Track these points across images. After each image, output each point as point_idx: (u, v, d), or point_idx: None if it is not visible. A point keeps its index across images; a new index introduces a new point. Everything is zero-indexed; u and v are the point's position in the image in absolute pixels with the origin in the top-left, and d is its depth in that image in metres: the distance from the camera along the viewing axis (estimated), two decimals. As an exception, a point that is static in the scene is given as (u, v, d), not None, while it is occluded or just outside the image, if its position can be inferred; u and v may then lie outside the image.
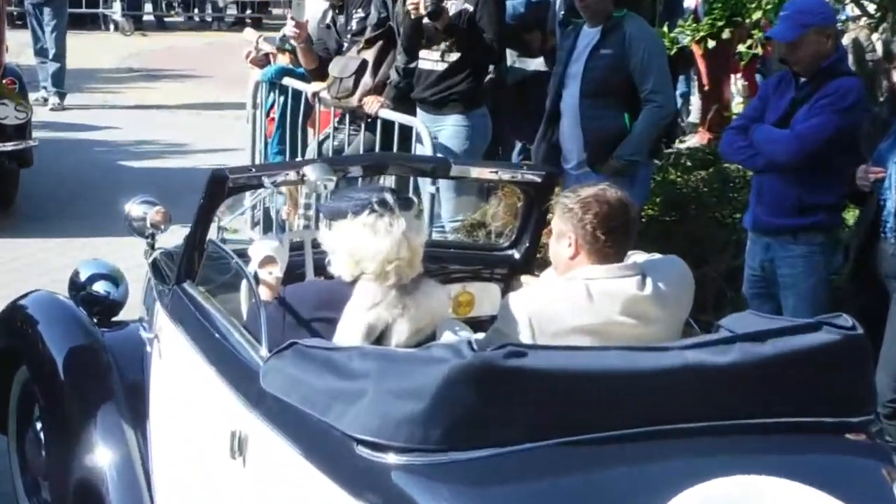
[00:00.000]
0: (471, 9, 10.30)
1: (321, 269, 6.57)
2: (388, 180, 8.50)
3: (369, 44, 10.98)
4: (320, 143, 11.53)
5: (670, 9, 12.63)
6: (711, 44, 12.34)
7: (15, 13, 18.76)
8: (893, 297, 7.64)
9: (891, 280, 7.67)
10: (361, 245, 5.83)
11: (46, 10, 17.55)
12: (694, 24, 12.16)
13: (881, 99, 8.39)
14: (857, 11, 12.01)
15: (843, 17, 11.25)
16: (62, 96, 17.84)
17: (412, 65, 10.78)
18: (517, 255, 7.19)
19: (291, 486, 5.14)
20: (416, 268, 5.98)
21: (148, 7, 26.20)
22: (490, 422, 4.67)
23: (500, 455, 4.60)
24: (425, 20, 10.28)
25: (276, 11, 21.55)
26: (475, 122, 10.64)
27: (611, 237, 5.53)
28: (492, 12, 10.40)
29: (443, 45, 10.48)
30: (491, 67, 10.77)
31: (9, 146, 12.84)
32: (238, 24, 24.67)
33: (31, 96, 14.70)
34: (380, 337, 5.76)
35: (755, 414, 4.94)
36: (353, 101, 10.98)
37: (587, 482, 4.72)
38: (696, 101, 14.55)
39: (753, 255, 8.39)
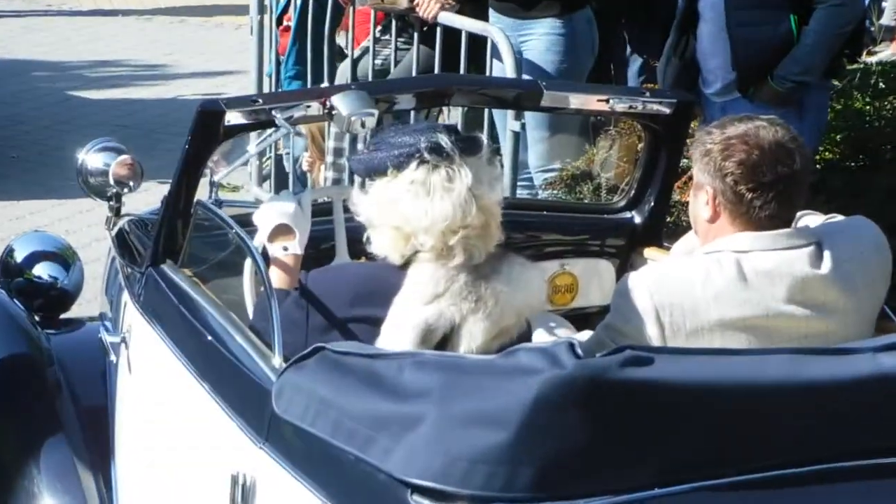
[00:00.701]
0: None
1: (357, 242, 5.57)
2: (453, 114, 7.67)
3: None
4: (355, 62, 10.34)
5: None
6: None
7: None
8: None
9: None
10: (410, 211, 4.82)
11: None
12: None
13: None
14: None
15: None
16: None
17: None
18: (638, 220, 6.28)
19: None
20: (493, 238, 4.97)
21: None
22: (602, 459, 3.89)
23: (623, 501, 3.85)
24: None
25: None
26: (577, 29, 9.44)
27: (764, 195, 4.80)
28: None
29: None
30: None
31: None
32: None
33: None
34: (443, 341, 4.81)
35: None
36: (403, 0, 9.80)
37: None
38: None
39: None
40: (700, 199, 4.88)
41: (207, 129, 5.45)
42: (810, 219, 5.13)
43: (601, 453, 3.82)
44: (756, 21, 8.19)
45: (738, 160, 4.72)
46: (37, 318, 6.72)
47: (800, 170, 4.84)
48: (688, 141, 5.67)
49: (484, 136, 6.04)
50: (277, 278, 5.17)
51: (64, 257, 6.93)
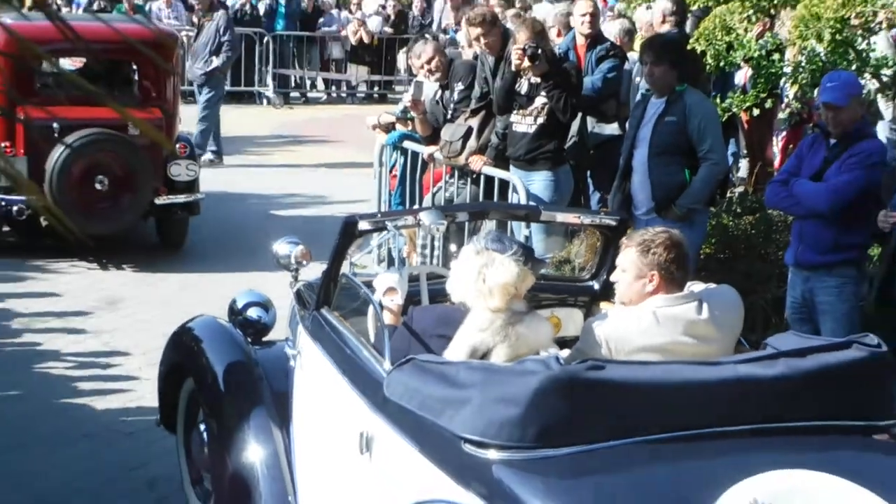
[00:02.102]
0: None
1: (434, 297, 7.05)
2: (490, 224, 8.65)
3: (474, 113, 11.33)
4: (433, 195, 11.87)
5: (722, 83, 12.65)
6: (756, 112, 12.72)
7: (186, 91, 19.35)
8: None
9: (910, 305, 7.91)
10: (499, 275, 6.06)
11: (204, 88, 18.24)
12: (742, 96, 12.41)
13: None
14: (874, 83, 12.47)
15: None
16: (217, 154, 18.51)
17: (507, 129, 11.03)
18: (596, 286, 7.40)
19: (410, 478, 5.51)
20: (521, 300, 6.21)
21: (294, 83, 26.89)
22: (575, 424, 5.11)
23: (584, 452, 5.04)
24: (521, 78, 10.75)
25: (398, 88, 22.05)
26: (560, 177, 11.02)
27: (678, 270, 5.96)
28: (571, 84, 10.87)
29: (536, 104, 10.76)
30: (574, 131, 11.11)
31: (181, 198, 13.38)
32: (367, 99, 25.26)
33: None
34: (483, 356, 5.96)
35: (796, 418, 5.34)
36: (461, 160, 11.44)
37: (658, 474, 5.15)
38: (744, 160, 14.54)
39: (794, 285, 8.63)
40: (642, 281, 5.98)
41: (348, 232, 6.75)
42: (696, 286, 6.15)
43: (574, 420, 5.09)
44: (665, 174, 9.82)
45: (670, 255, 5.91)
46: (249, 340, 7.70)
47: (688, 256, 6.22)
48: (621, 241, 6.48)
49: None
50: (387, 317, 6.39)
51: (265, 304, 7.89)
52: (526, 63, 10.53)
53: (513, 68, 10.79)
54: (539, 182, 10.78)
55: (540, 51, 10.54)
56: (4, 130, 13.24)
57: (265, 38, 26.05)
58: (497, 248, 6.22)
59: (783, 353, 5.69)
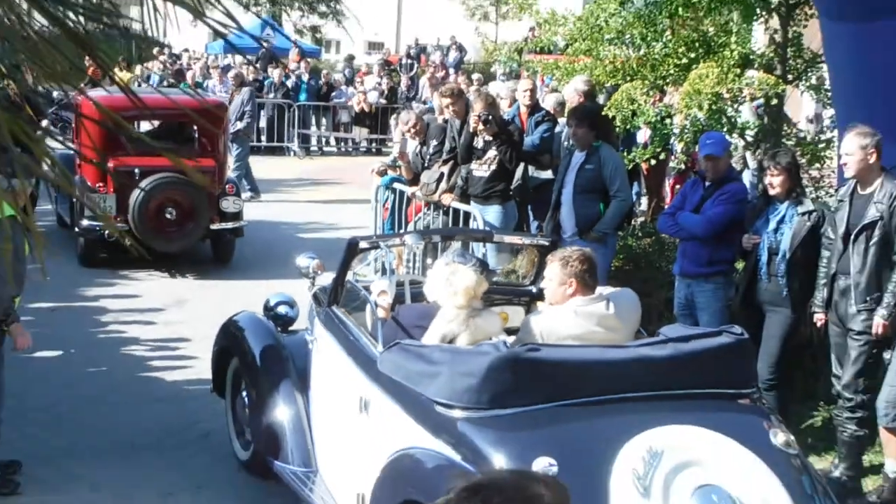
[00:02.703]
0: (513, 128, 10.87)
1: (414, 298, 7.01)
2: (456, 244, 8.62)
3: (444, 163, 11.37)
4: (415, 223, 11.85)
5: (627, 140, 12.61)
6: (653, 162, 12.76)
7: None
8: (766, 315, 7.92)
9: (764, 304, 7.94)
10: (463, 281, 6.15)
11: (234, 145, 18.28)
12: (642, 150, 12.44)
13: (758, 194, 8.78)
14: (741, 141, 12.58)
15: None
16: (255, 192, 18.53)
17: (469, 174, 11.00)
18: (534, 290, 7.28)
19: (397, 431, 5.56)
20: (479, 299, 6.29)
21: (314, 140, 27.01)
22: (517, 391, 5.18)
23: (524, 412, 5.16)
24: (478, 136, 10.77)
25: (390, 144, 22.20)
26: (508, 210, 10.92)
27: (590, 278, 5.96)
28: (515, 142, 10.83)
29: (489, 155, 10.73)
30: (518, 175, 11.08)
31: (230, 225, 13.53)
32: (367, 152, 25.38)
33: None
34: (450, 342, 6.03)
35: (681, 387, 5.42)
36: (435, 197, 11.43)
37: (578, 428, 5.16)
38: (644, 197, 14.52)
39: (680, 290, 8.61)
40: (564, 287, 5.95)
41: (351, 249, 6.76)
42: (606, 289, 6.15)
43: (517, 388, 5.16)
44: (585, 207, 9.65)
45: (584, 267, 5.90)
46: (279, 329, 7.65)
47: (597, 268, 6.17)
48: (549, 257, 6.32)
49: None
50: (381, 313, 6.29)
51: (290, 303, 7.85)
52: (480, 127, 10.61)
53: (471, 130, 10.87)
54: (492, 213, 10.77)
55: (490, 117, 10.58)
56: (98, 176, 13.24)
57: (292, 107, 26.09)
58: (460, 261, 6.38)
59: (671, 339, 5.76)
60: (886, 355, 7.17)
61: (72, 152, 13.95)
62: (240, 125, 18.96)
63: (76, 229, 13.41)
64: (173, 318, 11.38)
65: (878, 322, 7.14)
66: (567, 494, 1.46)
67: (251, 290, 10.50)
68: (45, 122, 13.13)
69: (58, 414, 8.38)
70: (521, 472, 1.58)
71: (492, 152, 10.78)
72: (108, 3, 1.98)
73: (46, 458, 7.46)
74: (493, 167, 10.81)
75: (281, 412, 7.01)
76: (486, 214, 10.74)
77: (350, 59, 33.26)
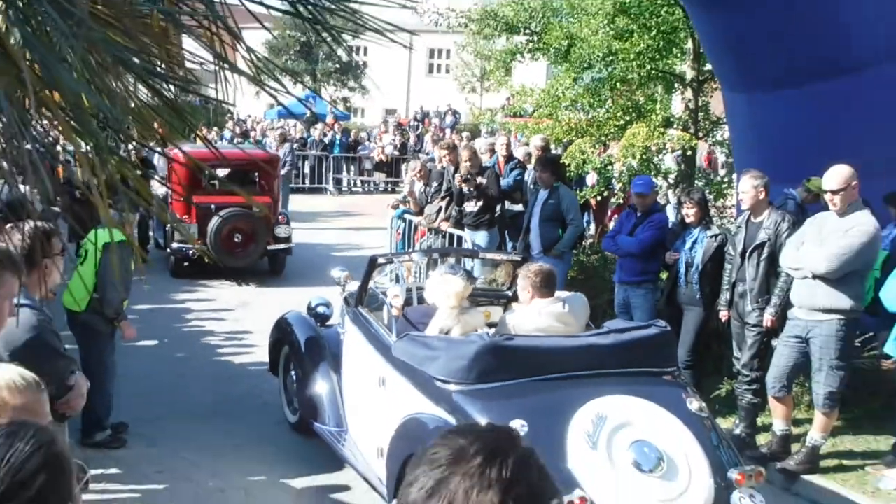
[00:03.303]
0: (485, 181, 10.72)
1: (419, 300, 6.98)
2: (451, 260, 8.68)
3: (442, 199, 11.36)
4: (420, 244, 11.76)
5: (579, 182, 12.66)
6: (599, 198, 12.85)
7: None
8: (684, 312, 7.88)
9: (683, 304, 7.89)
10: (453, 288, 6.12)
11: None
12: (591, 189, 12.52)
13: (677, 222, 8.79)
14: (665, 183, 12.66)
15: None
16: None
17: (462, 209, 10.91)
18: (509, 294, 7.10)
19: (407, 401, 5.51)
20: (465, 300, 6.24)
21: (345, 182, 27.01)
22: (497, 370, 5.18)
23: (501, 385, 5.14)
24: (465, 186, 10.73)
25: (401, 185, 22.08)
26: (492, 235, 10.87)
27: (549, 285, 5.92)
28: (492, 183, 10.76)
29: (475, 202, 10.73)
30: (498, 209, 11.05)
31: (282, 246, 13.55)
32: (384, 191, 25.27)
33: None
34: (446, 334, 5.99)
35: (620, 367, 5.42)
36: (436, 224, 11.32)
37: (542, 397, 5.10)
38: (592, 224, 14.29)
39: (619, 294, 8.52)
40: (526, 293, 5.91)
41: (372, 264, 6.72)
42: (562, 293, 6.09)
43: (496, 368, 5.14)
44: (548, 231, 9.48)
45: (542, 277, 5.85)
46: (318, 324, 7.60)
47: (555, 276, 6.08)
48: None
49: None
50: (394, 312, 6.31)
51: (327, 304, 7.81)
52: (464, 183, 10.68)
53: (458, 185, 10.86)
54: (481, 237, 10.72)
55: (469, 176, 10.65)
56: (185, 209, 13.26)
57: (328, 157, 26.25)
58: (451, 273, 6.32)
59: (613, 331, 5.75)
60: (774, 342, 7.15)
61: (166, 192, 14.18)
62: (282, 172, 18.91)
63: (168, 250, 13.52)
64: (240, 316, 11.34)
65: (768, 318, 7.15)
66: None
67: (298, 295, 10.43)
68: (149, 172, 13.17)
69: (155, 387, 8.37)
70: (490, 427, 1.52)
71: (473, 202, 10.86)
72: (193, 78, 2.01)
73: (147, 421, 7.46)
74: (481, 203, 10.78)
75: (320, 386, 7.00)
76: (476, 238, 10.64)
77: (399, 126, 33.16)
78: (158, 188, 14.74)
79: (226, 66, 2.01)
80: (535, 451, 1.50)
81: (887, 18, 8.03)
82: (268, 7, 1.91)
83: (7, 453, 1.69)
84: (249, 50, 2.00)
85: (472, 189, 10.67)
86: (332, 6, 1.97)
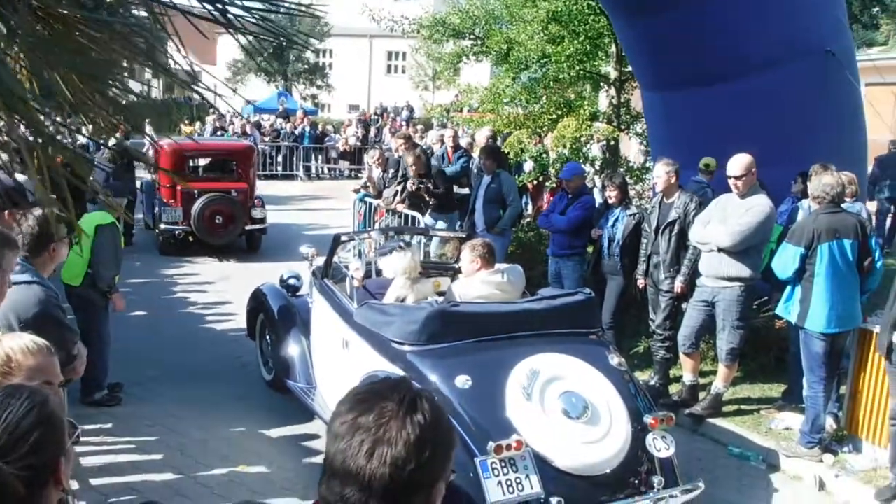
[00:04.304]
0: (434, 182, 10.49)
1: (377, 273, 6.95)
2: (407, 238, 8.56)
3: (398, 184, 11.05)
4: (379, 223, 11.42)
5: (519, 168, 12.64)
6: (535, 182, 12.89)
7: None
8: (608, 281, 7.91)
9: (606, 274, 7.90)
10: (403, 263, 6.18)
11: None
12: (529, 174, 12.54)
13: (602, 202, 8.82)
14: (592, 169, 12.73)
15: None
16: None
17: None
18: (457, 266, 6.84)
19: (367, 361, 5.45)
20: (417, 272, 6.28)
21: (313, 169, 26.70)
22: (444, 332, 5.18)
23: (449, 346, 5.13)
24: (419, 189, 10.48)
25: (363, 172, 21.91)
26: (453, 217, 10.51)
27: (490, 258, 5.94)
28: (441, 182, 10.49)
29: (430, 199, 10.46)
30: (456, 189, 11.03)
31: (258, 226, 13.32)
32: (348, 177, 24.97)
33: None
34: (401, 302, 6.05)
35: (551, 329, 5.40)
36: (392, 206, 11.04)
37: (484, 356, 5.09)
38: (530, 205, 14.54)
39: (552, 265, 8.46)
40: (474, 264, 5.88)
41: (336, 242, 6.66)
42: (501, 265, 6.07)
43: (444, 331, 5.14)
44: (491, 211, 9.34)
45: (487, 251, 5.87)
46: (290, 295, 7.38)
47: (495, 251, 6.11)
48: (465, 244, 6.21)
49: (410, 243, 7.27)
50: (356, 283, 6.30)
51: (297, 277, 7.55)
52: (415, 186, 10.45)
53: (410, 187, 10.60)
54: (442, 219, 10.46)
55: (421, 186, 10.39)
56: (171, 194, 13.06)
57: (299, 148, 25.99)
58: (403, 249, 6.35)
59: (546, 297, 5.76)
60: (683, 306, 7.23)
61: (154, 179, 14.02)
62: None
63: (156, 230, 13.34)
64: (221, 289, 11.21)
65: (678, 285, 7.24)
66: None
67: (272, 269, 10.35)
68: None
69: (146, 352, 8.27)
70: (381, 382, 1.52)
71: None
72: (190, 74, 1.99)
73: (140, 382, 7.41)
74: (433, 201, 10.60)
75: (291, 349, 6.95)
76: (436, 223, 10.36)
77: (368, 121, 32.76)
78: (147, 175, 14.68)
79: (160, 70, 1.98)
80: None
81: (781, 27, 8.13)
82: (213, 16, 1.89)
83: (4, 412, 1.71)
84: (185, 56, 1.97)
85: (424, 193, 10.48)
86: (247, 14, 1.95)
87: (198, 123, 29.03)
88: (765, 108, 8.11)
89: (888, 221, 14.45)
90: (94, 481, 5.46)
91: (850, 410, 6.26)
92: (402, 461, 1.33)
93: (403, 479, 1.34)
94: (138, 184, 14.51)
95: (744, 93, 8.12)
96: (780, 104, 8.13)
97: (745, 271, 6.62)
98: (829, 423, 6.29)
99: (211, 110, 31.19)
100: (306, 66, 45.68)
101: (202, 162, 14.28)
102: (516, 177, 11.30)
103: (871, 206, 12.41)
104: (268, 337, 7.37)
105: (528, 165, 13.27)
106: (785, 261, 6.10)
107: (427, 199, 10.39)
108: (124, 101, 2.06)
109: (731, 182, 6.66)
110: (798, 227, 6.17)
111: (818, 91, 8.19)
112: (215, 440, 6.30)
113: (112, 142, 14.35)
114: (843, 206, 6.23)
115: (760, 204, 6.60)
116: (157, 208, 13.30)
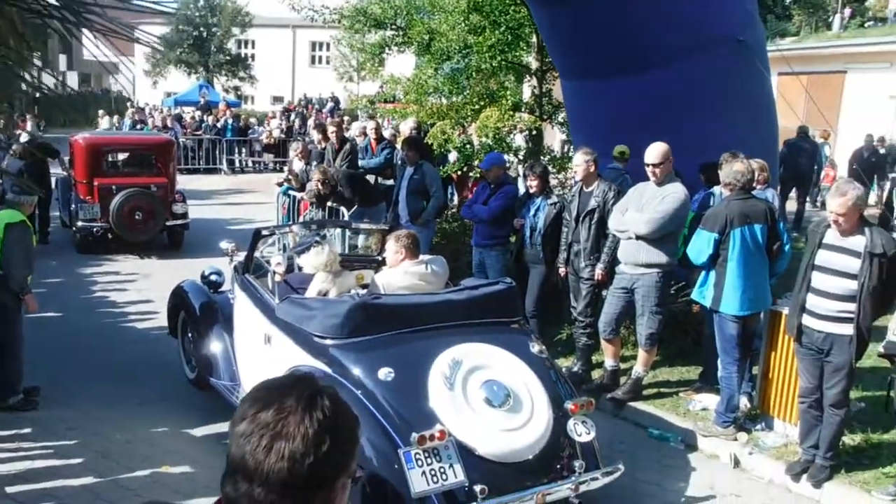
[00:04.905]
0: (341, 191, 10.31)
1: (299, 268, 6.81)
2: (325, 231, 7.93)
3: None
4: (304, 217, 11.20)
5: (442, 159, 12.53)
6: (460, 173, 12.92)
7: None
8: (530, 270, 7.96)
9: (529, 263, 7.99)
10: (320, 259, 6.25)
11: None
12: (452, 165, 12.60)
13: (524, 192, 8.90)
14: (515, 159, 12.85)
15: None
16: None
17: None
18: (380, 258, 7.03)
19: (290, 355, 5.39)
20: (337, 265, 6.34)
21: (237, 163, 26.31)
22: (366, 325, 5.16)
23: (371, 338, 5.11)
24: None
25: (286, 166, 21.92)
26: (380, 209, 10.47)
27: (414, 249, 5.92)
28: (348, 190, 10.26)
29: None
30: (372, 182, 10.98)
31: (179, 222, 13.14)
32: (272, 171, 24.65)
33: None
34: (324, 296, 6.08)
35: (473, 318, 5.44)
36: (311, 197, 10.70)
37: (407, 347, 5.08)
38: (455, 196, 14.18)
39: (475, 256, 8.50)
40: (398, 255, 5.85)
41: (256, 236, 6.52)
42: (426, 256, 6.05)
43: (366, 324, 5.11)
44: (414, 202, 9.29)
45: (411, 241, 5.84)
46: (212, 291, 7.35)
47: (419, 242, 6.03)
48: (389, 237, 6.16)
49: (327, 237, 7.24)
50: (277, 278, 6.05)
51: (219, 273, 7.47)
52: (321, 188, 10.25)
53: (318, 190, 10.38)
54: (371, 212, 10.38)
55: (327, 191, 10.20)
56: (87, 190, 12.77)
57: (222, 141, 25.62)
58: (321, 244, 6.36)
59: (468, 287, 5.78)
60: (604, 293, 7.37)
61: (69, 175, 13.65)
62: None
63: (73, 228, 13.04)
64: (142, 286, 11.05)
65: (598, 272, 7.37)
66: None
67: (194, 265, 10.23)
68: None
69: (65, 354, 8.13)
70: (283, 378, 1.54)
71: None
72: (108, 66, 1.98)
73: (55, 384, 7.26)
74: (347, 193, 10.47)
75: (214, 346, 6.89)
76: (364, 214, 10.27)
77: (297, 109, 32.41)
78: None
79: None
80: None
81: (692, 17, 8.31)
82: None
83: None
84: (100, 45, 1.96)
85: (332, 200, 10.39)
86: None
87: (116, 117, 28.36)
88: (676, 98, 8.29)
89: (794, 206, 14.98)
90: (9, 489, 5.34)
91: (763, 390, 6.46)
92: (300, 455, 1.34)
93: (302, 473, 1.35)
94: (52, 180, 14.11)
95: (655, 82, 8.28)
96: (692, 94, 8.32)
97: (662, 258, 6.77)
98: (743, 403, 6.48)
99: (129, 103, 30.60)
100: (228, 57, 44.95)
101: (120, 157, 13.97)
102: (440, 168, 11.31)
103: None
104: (190, 335, 7.27)
105: (453, 156, 13.32)
106: (699, 246, 6.26)
107: (335, 204, 10.32)
108: (37, 95, 2.04)
109: (648, 170, 6.78)
110: (711, 214, 6.34)
111: (729, 80, 8.41)
112: (137, 441, 6.21)
113: (24, 137, 14.03)
114: (753, 192, 6.43)
115: (676, 191, 6.76)
116: (73, 205, 12.99)
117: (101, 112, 28.75)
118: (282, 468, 1.35)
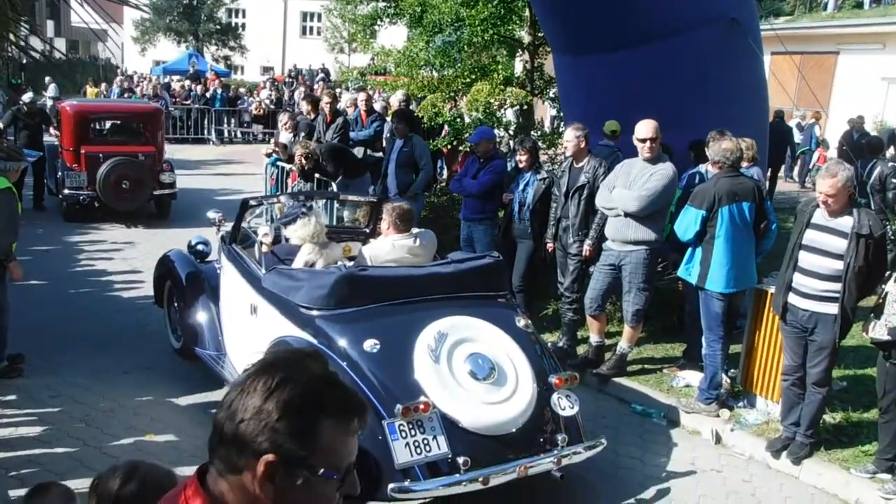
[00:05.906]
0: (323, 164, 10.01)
1: (286, 240, 6.68)
2: (319, 202, 8.19)
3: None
4: (292, 188, 10.98)
5: (432, 132, 12.61)
6: (450, 147, 12.86)
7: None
8: (518, 245, 8.00)
9: (516, 238, 8.00)
10: (306, 230, 6.20)
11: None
12: (443, 139, 12.57)
13: (513, 167, 8.90)
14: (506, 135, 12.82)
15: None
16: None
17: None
18: (367, 230, 7.18)
19: (275, 326, 5.43)
20: (324, 236, 6.30)
21: (225, 133, 26.17)
22: (353, 297, 5.19)
23: (357, 310, 5.13)
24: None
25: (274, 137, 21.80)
26: (365, 180, 10.22)
27: (403, 222, 5.92)
28: (328, 157, 9.96)
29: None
30: (361, 154, 10.87)
31: (167, 191, 13.07)
32: (261, 141, 24.50)
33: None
34: (310, 267, 6.06)
35: (459, 292, 5.46)
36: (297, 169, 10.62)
37: (393, 319, 5.11)
38: (444, 169, 14.23)
39: (463, 229, 8.50)
40: (385, 226, 5.90)
41: (243, 206, 6.54)
42: (415, 230, 6.01)
43: (352, 295, 5.14)
44: (403, 175, 9.33)
45: (399, 213, 5.86)
46: (198, 261, 7.31)
47: (412, 214, 5.98)
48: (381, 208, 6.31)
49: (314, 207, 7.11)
50: (264, 249, 6.30)
51: (206, 242, 7.47)
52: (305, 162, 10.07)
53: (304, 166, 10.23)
54: (355, 186, 9.98)
55: (311, 166, 10.00)
56: (74, 158, 12.70)
57: (211, 111, 25.47)
58: (307, 215, 6.29)
59: (455, 261, 5.81)
60: (591, 269, 7.40)
61: (57, 143, 13.56)
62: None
63: (60, 196, 12.96)
64: (128, 255, 11.00)
65: (586, 248, 7.40)
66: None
67: (181, 235, 10.20)
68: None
69: (51, 322, 8.10)
70: (294, 349, 1.57)
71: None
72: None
73: (43, 353, 7.23)
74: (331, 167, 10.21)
75: (200, 316, 6.88)
76: (358, 185, 10.11)
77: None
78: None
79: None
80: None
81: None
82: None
83: None
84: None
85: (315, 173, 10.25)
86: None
87: (104, 85, 28.16)
88: (668, 75, 8.27)
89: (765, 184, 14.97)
90: (-7, 455, 5.34)
91: (746, 367, 6.51)
92: (238, 411, 1.37)
93: (232, 430, 1.37)
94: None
95: (648, 59, 8.26)
96: (684, 71, 8.31)
97: (650, 235, 6.79)
98: (726, 380, 6.53)
99: (118, 71, 30.36)
100: (218, 27, 44.54)
101: (108, 125, 13.88)
102: (430, 141, 11.29)
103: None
104: (176, 304, 7.25)
105: (444, 130, 13.29)
106: (686, 223, 6.27)
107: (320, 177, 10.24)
108: (24, 60, 2.02)
109: (641, 145, 6.75)
110: (700, 191, 6.35)
111: (721, 58, 8.39)
112: (121, 410, 6.22)
113: (27, 96, 14.01)
114: (740, 170, 6.44)
115: (664, 168, 6.77)
116: (60, 173, 12.91)
117: (89, 81, 28.53)
118: (220, 418, 1.41)
